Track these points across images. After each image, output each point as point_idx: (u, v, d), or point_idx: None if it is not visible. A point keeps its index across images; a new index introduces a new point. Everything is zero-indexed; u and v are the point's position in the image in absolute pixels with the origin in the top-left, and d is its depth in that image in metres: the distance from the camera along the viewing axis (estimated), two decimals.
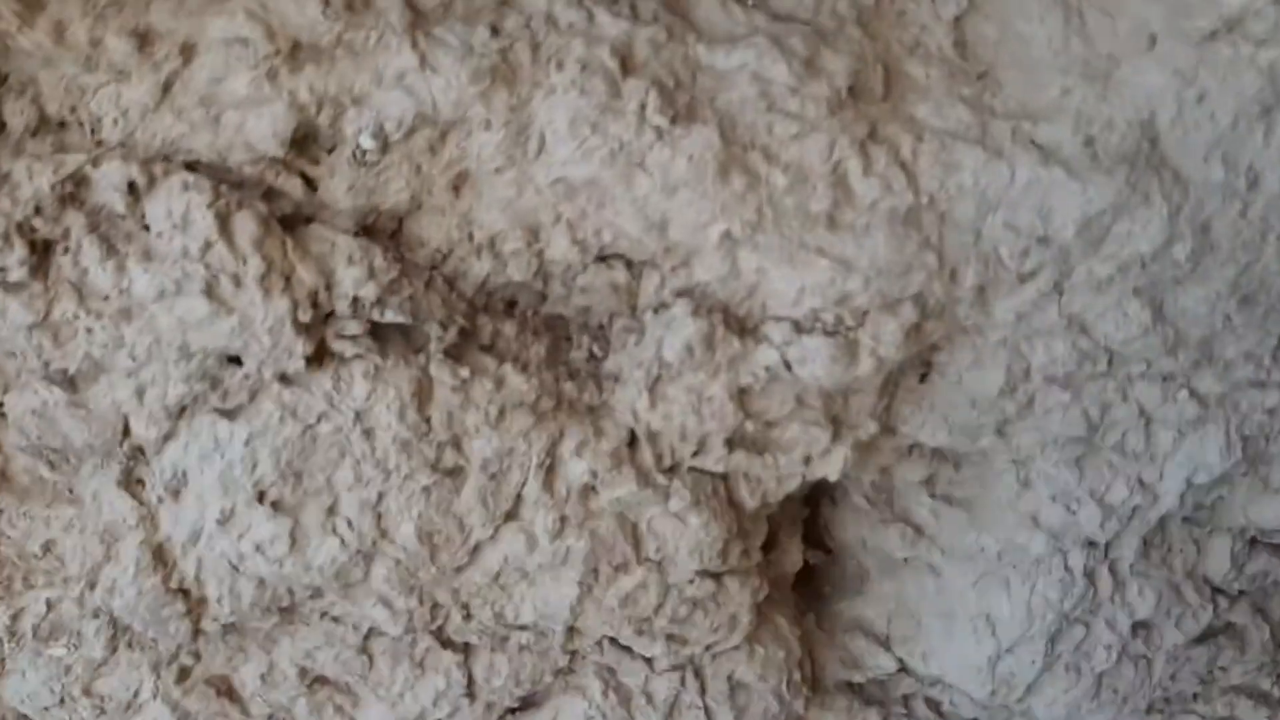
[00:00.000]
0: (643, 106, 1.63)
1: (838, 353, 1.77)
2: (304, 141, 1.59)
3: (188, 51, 1.49)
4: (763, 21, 1.72)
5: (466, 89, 1.56)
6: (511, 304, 1.82)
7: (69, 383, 1.64)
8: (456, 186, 1.67)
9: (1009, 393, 1.97)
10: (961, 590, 2.28)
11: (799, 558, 2.30)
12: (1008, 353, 1.93)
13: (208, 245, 1.52)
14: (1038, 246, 1.78)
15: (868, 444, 2.04)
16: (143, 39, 1.47)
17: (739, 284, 1.76)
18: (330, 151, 1.61)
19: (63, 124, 1.55)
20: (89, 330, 1.57)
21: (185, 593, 1.75)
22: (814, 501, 2.37)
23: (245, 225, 1.53)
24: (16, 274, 1.52)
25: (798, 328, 1.77)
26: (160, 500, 1.70)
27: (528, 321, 1.84)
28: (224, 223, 1.52)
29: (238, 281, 1.53)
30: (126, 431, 1.67)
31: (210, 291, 1.53)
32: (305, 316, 1.57)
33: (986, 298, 1.84)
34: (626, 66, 1.64)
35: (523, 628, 1.92)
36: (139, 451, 1.70)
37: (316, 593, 1.79)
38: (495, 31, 1.59)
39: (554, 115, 1.61)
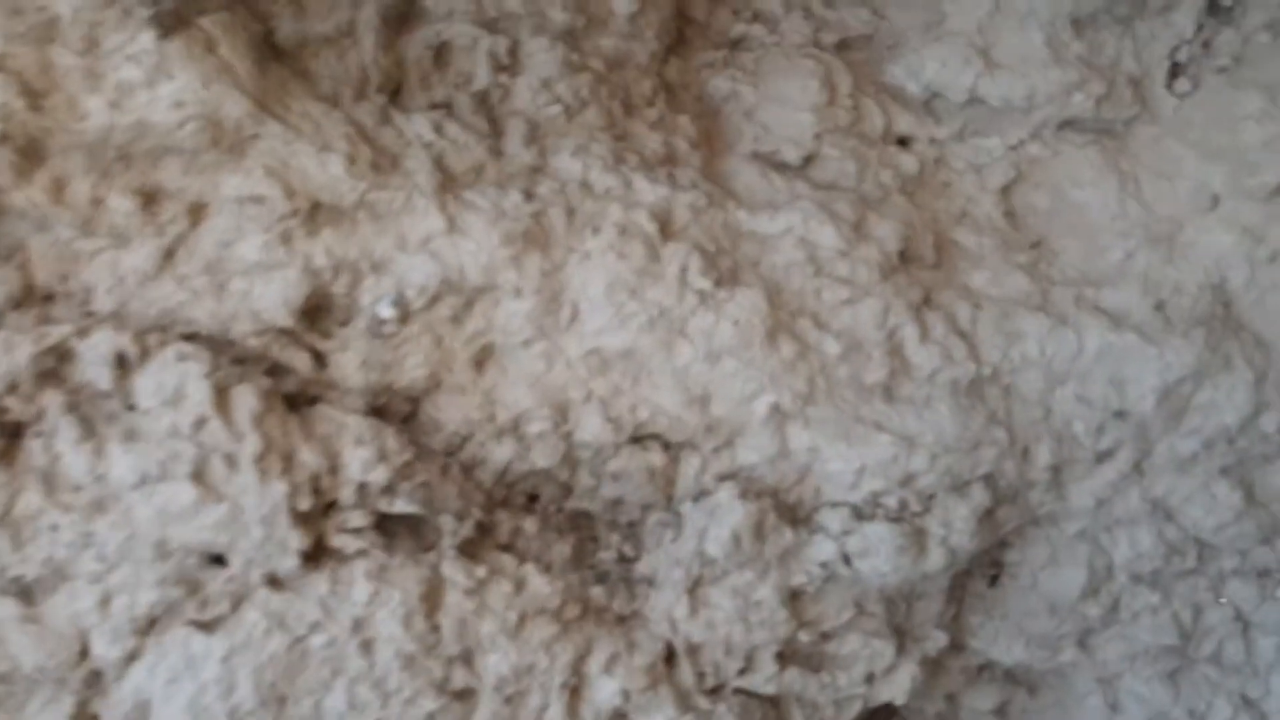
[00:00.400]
0: (684, 270, 1.58)
1: (904, 542, 1.64)
2: (315, 312, 1.51)
3: (196, 213, 1.44)
4: (805, 189, 1.71)
5: (497, 253, 1.51)
6: (533, 498, 1.69)
7: (24, 594, 1.47)
8: (480, 361, 1.58)
9: (1091, 595, 1.83)
10: None
11: None
12: (1088, 546, 1.80)
13: (200, 422, 1.40)
14: (1114, 421, 1.70)
15: (935, 661, 1.87)
16: (148, 199, 1.41)
17: (789, 465, 1.65)
18: (344, 325, 1.53)
19: (50, 297, 1.47)
20: (54, 528, 1.42)
21: None
22: None
23: (244, 400, 1.42)
24: None
25: (857, 514, 1.65)
26: None
27: (550, 518, 1.70)
28: (221, 396, 1.41)
29: (231, 463, 1.40)
30: (85, 653, 1.48)
31: (199, 475, 1.40)
32: (305, 504, 1.43)
33: (1062, 480, 1.73)
34: (666, 231, 1.61)
35: None
36: (96, 678, 1.51)
37: None
38: (529, 196, 1.56)
39: (589, 281, 1.56)
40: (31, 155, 1.35)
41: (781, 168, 1.74)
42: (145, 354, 1.42)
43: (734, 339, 1.57)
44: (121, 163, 1.39)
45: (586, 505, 1.69)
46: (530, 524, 1.64)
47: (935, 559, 1.66)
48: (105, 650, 1.46)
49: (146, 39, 1.32)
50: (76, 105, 1.33)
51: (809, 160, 1.76)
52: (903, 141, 1.82)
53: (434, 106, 1.60)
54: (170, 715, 1.47)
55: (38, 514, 1.41)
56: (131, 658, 1.47)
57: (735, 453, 1.64)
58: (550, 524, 1.68)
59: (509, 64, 1.64)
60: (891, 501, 1.64)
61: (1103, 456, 1.71)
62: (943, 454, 1.63)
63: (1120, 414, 1.68)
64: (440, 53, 1.62)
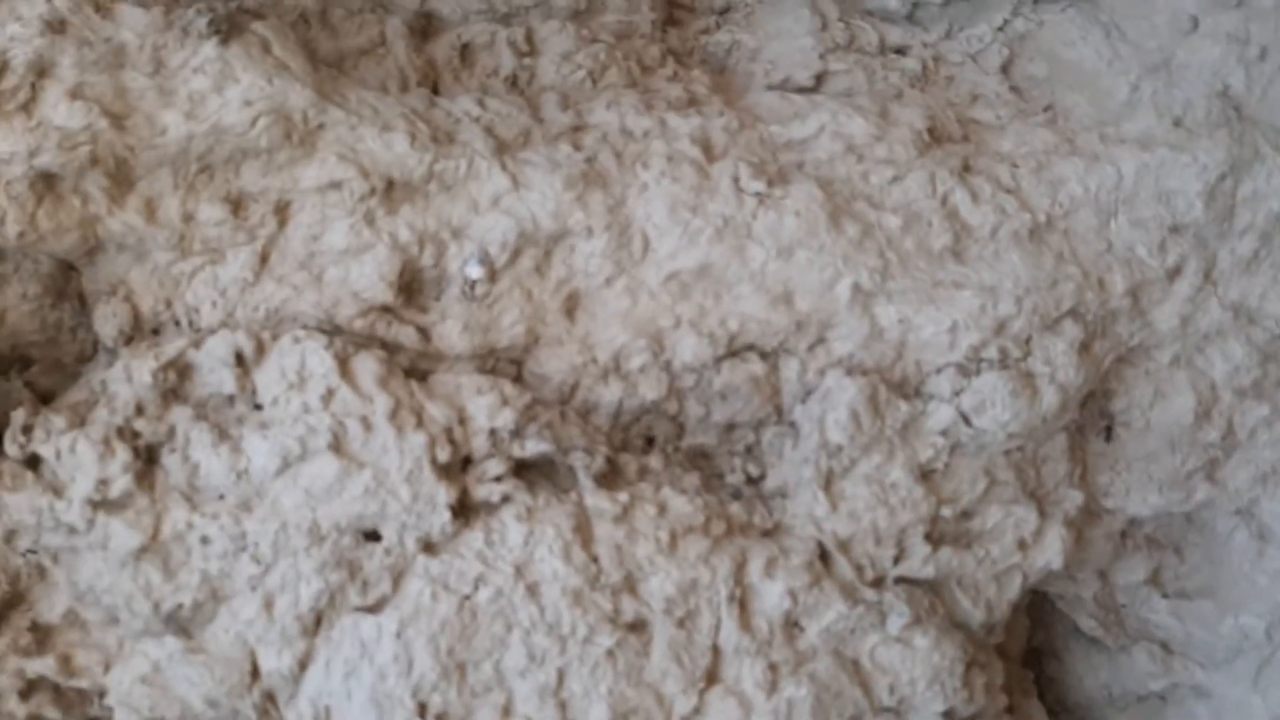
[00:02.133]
0: (735, 179, 1.70)
1: (1015, 386, 1.71)
2: (410, 289, 1.61)
3: (283, 211, 1.56)
4: (824, 100, 1.87)
5: (562, 197, 1.63)
6: (649, 440, 1.75)
7: (183, 628, 1.50)
8: (569, 310, 1.68)
9: (1204, 419, 1.88)
10: (1242, 701, 2.00)
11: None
12: (1185, 371, 1.87)
13: (329, 394, 1.47)
14: (1172, 236, 1.81)
15: (1078, 531, 1.89)
16: (235, 205, 1.54)
17: (884, 344, 1.73)
18: (437, 298, 1.63)
19: (157, 329, 1.57)
20: (205, 540, 1.46)
21: None
22: (1038, 669, 2.14)
23: (367, 366, 1.50)
24: (120, 485, 1.45)
25: (963, 372, 1.72)
26: None
27: (670, 457, 1.76)
28: (344, 366, 1.49)
29: (366, 425, 1.47)
30: (255, 672, 1.50)
31: (338, 445, 1.46)
32: (444, 456, 1.49)
33: (1142, 306, 1.82)
34: (709, 155, 1.75)
35: None
36: (270, 701, 1.51)
37: None
38: (577, 147, 1.70)
39: (651, 208, 1.67)
40: (121, 179, 1.48)
41: (798, 90, 1.89)
42: (262, 348, 1.51)
43: (799, 230, 1.68)
44: (205, 174, 1.52)
45: (701, 440, 1.75)
46: (655, 461, 1.70)
47: (1049, 399, 1.72)
48: (276, 662, 1.49)
49: (209, 49, 1.48)
50: (155, 121, 1.47)
51: (821, 79, 1.92)
52: (899, 51, 1.99)
53: (468, 94, 1.75)
54: (354, 713, 1.48)
55: (186, 530, 1.47)
56: (304, 663, 1.50)
57: (830, 346, 1.72)
58: (671, 462, 1.73)
59: (528, 49, 1.81)
60: (991, 352, 1.72)
61: (1172, 274, 1.81)
62: (1025, 295, 1.72)
63: (1175, 228, 1.79)
64: (465, 51, 1.80)
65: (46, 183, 1.44)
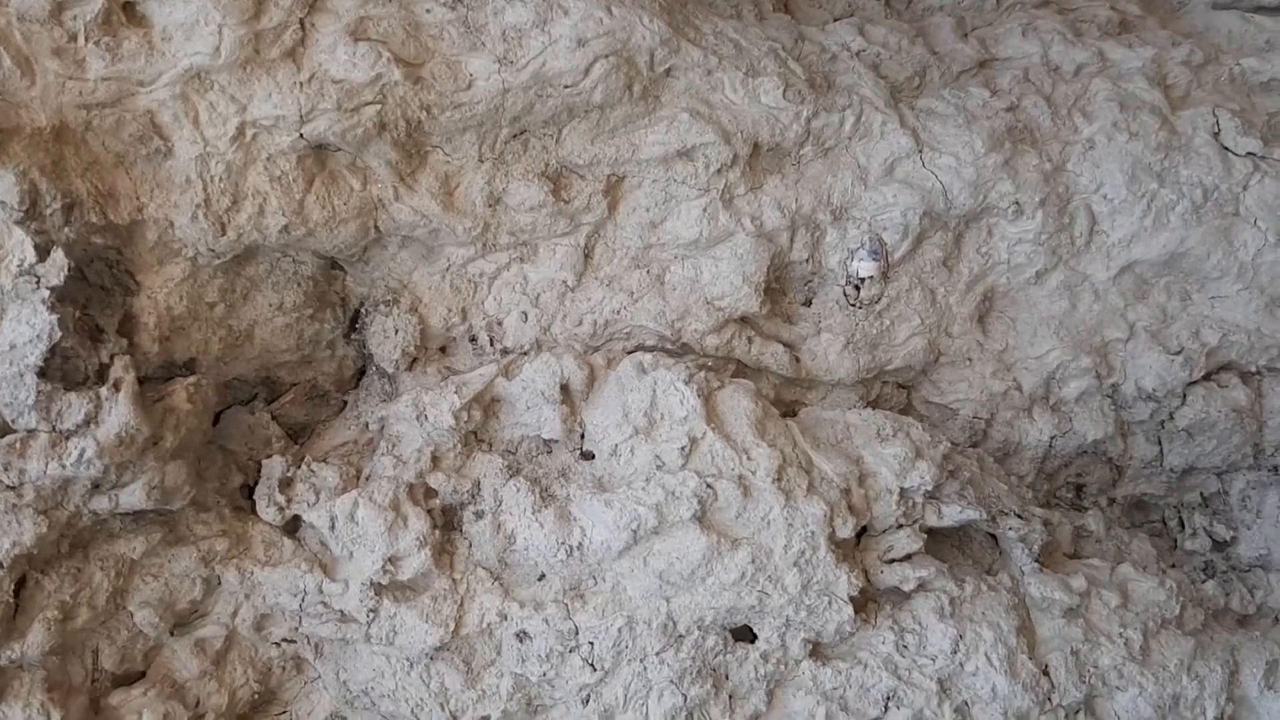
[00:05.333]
0: (1216, 134, 1.28)
1: None
2: (774, 292, 1.24)
3: (613, 190, 1.19)
4: None
5: (984, 161, 1.23)
6: (1078, 490, 1.36)
7: None
8: (984, 316, 1.28)
9: None
10: None
11: None
12: None
13: (692, 444, 1.11)
14: None
15: None
16: (555, 183, 1.18)
17: None
18: (807, 303, 1.26)
19: (445, 349, 1.23)
20: (521, 637, 1.13)
21: None
22: None
23: (739, 404, 1.13)
24: (414, 563, 1.12)
25: None
26: None
27: (1105, 511, 1.36)
28: (710, 404, 1.13)
29: (744, 487, 1.11)
30: None
31: (704, 515, 1.11)
32: (845, 529, 1.13)
33: None
34: (1172, 99, 1.32)
35: None
36: None
37: None
38: (992, 90, 1.29)
39: (1102, 175, 1.26)
40: (413, 150, 1.13)
41: (1259, 10, 1.44)
42: (593, 377, 1.16)
43: None
44: (518, 141, 1.16)
45: (1144, 488, 1.36)
46: (1093, 520, 1.30)
47: None
48: None
49: None
50: (458, 70, 1.11)
51: None
52: None
53: (840, 20, 1.35)
54: None
55: (496, 622, 1.13)
56: None
57: None
58: (1109, 518, 1.34)
59: None
60: None
61: None
62: None
63: None
64: None
65: (319, 158, 1.10)
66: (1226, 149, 1.27)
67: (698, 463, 1.12)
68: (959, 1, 1.38)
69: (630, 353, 1.19)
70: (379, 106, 1.09)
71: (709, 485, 1.11)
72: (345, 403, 1.25)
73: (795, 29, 1.28)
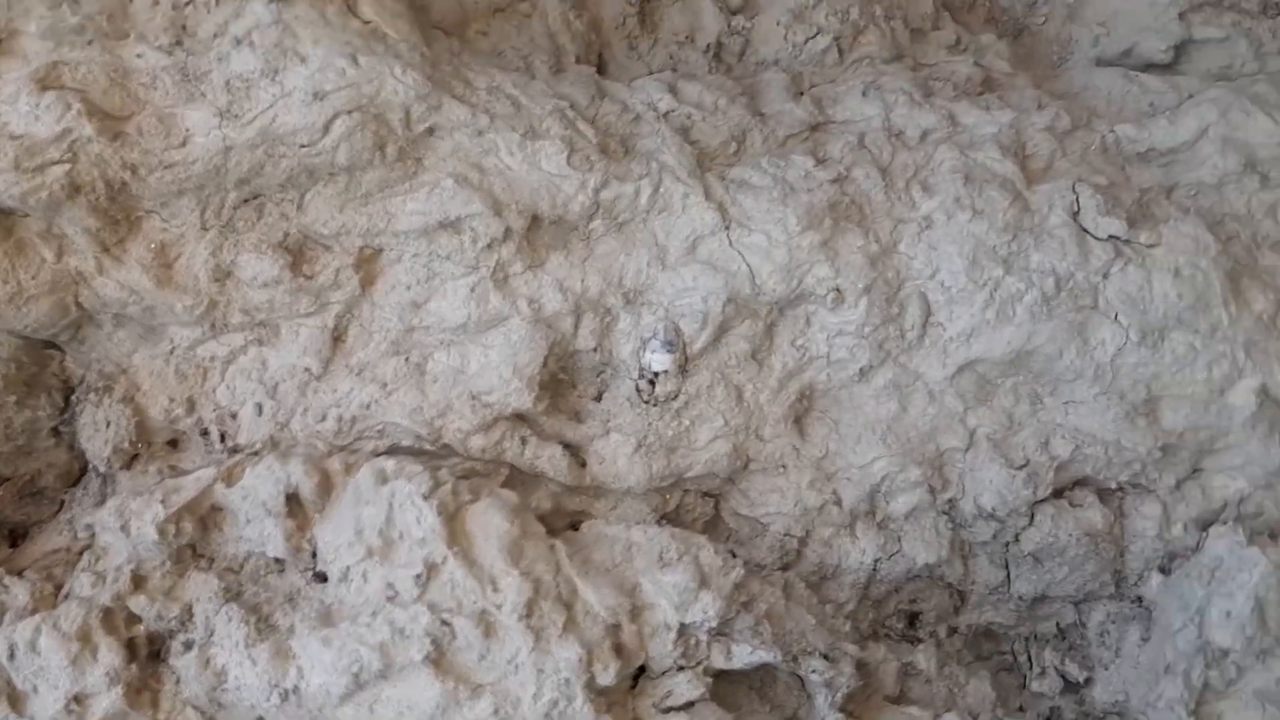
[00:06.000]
0: (1074, 214, 1.13)
1: None
2: (557, 385, 1.08)
3: (368, 264, 1.04)
4: (1191, 83, 1.27)
5: (798, 241, 1.08)
6: (912, 617, 1.20)
7: None
8: (799, 418, 1.13)
9: None
10: None
11: None
12: None
13: (430, 570, 0.96)
14: None
15: None
16: (296, 256, 1.03)
17: None
18: (597, 398, 1.10)
19: (174, 441, 1.07)
20: None
21: None
22: None
23: (489, 523, 0.98)
24: (103, 703, 0.96)
25: None
26: None
27: (943, 645, 1.20)
28: (454, 524, 0.98)
29: (486, 625, 0.95)
30: None
31: (439, 657, 0.95)
32: (606, 676, 0.97)
33: None
34: (1028, 170, 1.17)
35: None
36: None
37: None
38: (819, 160, 1.14)
39: (939, 259, 1.10)
40: (118, 215, 0.98)
41: (1148, 67, 1.30)
42: (327, 485, 1.00)
43: (1182, 299, 1.11)
44: (251, 207, 1.01)
45: (991, 617, 1.20)
46: (923, 657, 1.15)
47: None
48: None
49: (258, 8, 0.96)
50: (172, 125, 0.97)
51: (1181, 52, 1.32)
52: None
53: (653, 75, 1.20)
54: None
55: None
56: None
57: (1211, 484, 1.14)
58: (945, 652, 1.18)
59: (741, 3, 1.26)
60: None
61: None
62: None
63: None
64: (645, 7, 1.25)
65: (3, 224, 0.95)
66: (1086, 231, 1.12)
67: (436, 593, 0.96)
68: (796, 55, 1.23)
69: (381, 454, 1.04)
70: (69, 166, 0.94)
71: (445, 622, 0.95)
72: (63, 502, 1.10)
73: (595, 85, 1.12)
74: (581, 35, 1.18)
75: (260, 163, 0.99)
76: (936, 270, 1.11)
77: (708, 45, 1.24)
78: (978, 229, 1.11)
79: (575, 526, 1.09)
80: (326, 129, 0.99)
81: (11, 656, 0.97)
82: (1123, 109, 1.26)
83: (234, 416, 1.05)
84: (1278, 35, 1.34)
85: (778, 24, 1.24)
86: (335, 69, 0.98)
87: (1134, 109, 1.25)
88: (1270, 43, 1.33)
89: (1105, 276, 1.11)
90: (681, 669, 1.02)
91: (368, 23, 1.01)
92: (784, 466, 1.13)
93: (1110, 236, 1.11)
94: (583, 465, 1.09)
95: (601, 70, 1.22)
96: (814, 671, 1.04)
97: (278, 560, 1.01)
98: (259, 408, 1.04)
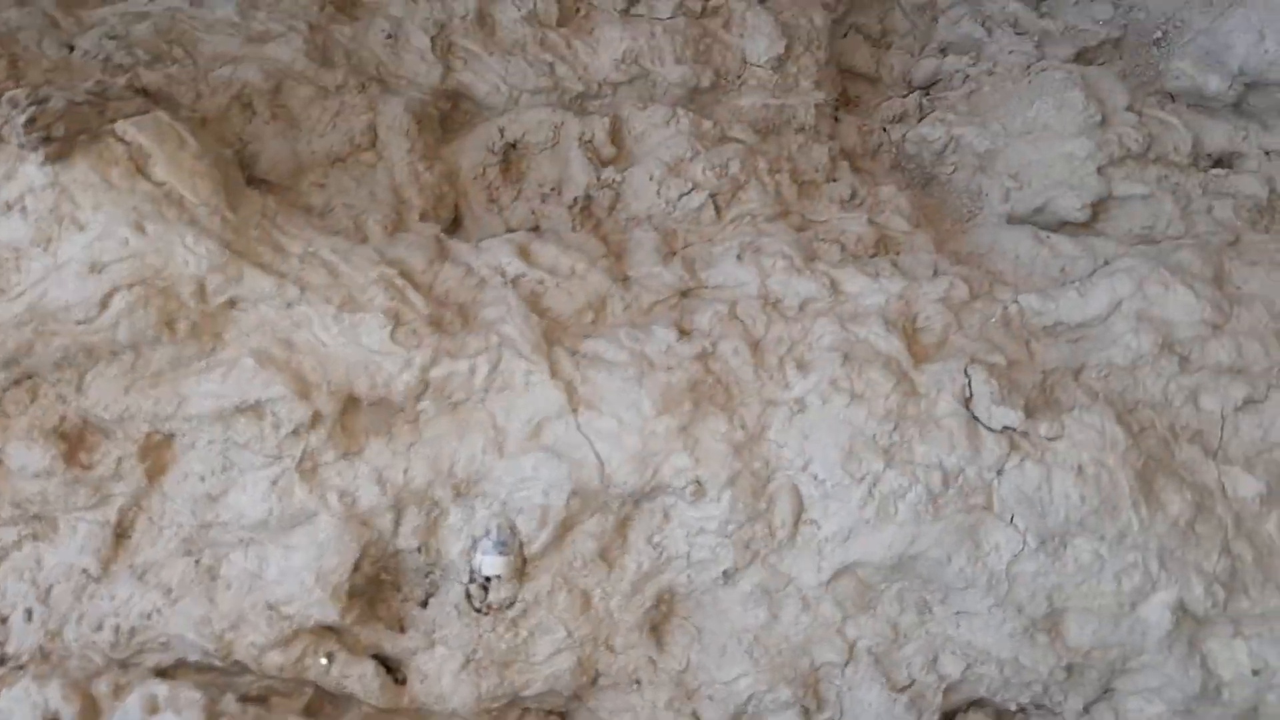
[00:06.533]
0: (965, 400, 1.02)
1: None
2: (376, 589, 0.96)
3: (159, 450, 0.92)
4: (1108, 245, 1.17)
5: (653, 426, 0.96)
6: None
7: None
8: (656, 625, 1.01)
9: None
10: None
11: None
12: None
13: None
14: None
15: None
16: (73, 445, 0.91)
17: (1224, 709, 1.02)
18: (423, 603, 0.98)
19: None
20: None
21: None
22: None
23: None
24: None
25: None
26: None
27: None
28: None
29: None
30: None
31: None
32: None
33: None
34: (916, 347, 1.06)
35: None
36: None
37: None
38: (683, 333, 1.03)
39: (812, 449, 0.99)
40: None
41: (1061, 226, 1.20)
42: (93, 711, 0.88)
43: (1081, 502, 0.99)
44: (23, 389, 0.90)
45: None
46: None
47: None
48: None
49: (31, 170, 0.86)
50: None
51: (1100, 208, 1.22)
52: (1222, 163, 1.27)
53: (512, 232, 1.10)
54: None
55: None
56: None
57: (1122, 704, 1.03)
58: None
59: (613, 153, 1.16)
60: None
61: None
62: None
63: None
64: (511, 155, 1.15)
65: None
66: (978, 420, 1.01)
67: None
68: (670, 212, 1.13)
69: (160, 672, 0.91)
70: None
71: None
72: None
73: (437, 246, 1.02)
74: (432, 187, 1.08)
75: (29, 341, 0.88)
76: (809, 461, 1.00)
77: (575, 198, 1.14)
78: (855, 415, 1.00)
79: None
80: (104, 304, 0.88)
81: None
82: (1031, 274, 1.15)
83: (4, 622, 0.93)
84: (1208, 191, 1.24)
85: (650, 178, 1.14)
86: (117, 238, 0.88)
87: (1043, 274, 1.15)
88: (1199, 199, 1.23)
89: (999, 473, 1.00)
90: None
91: (160, 184, 0.91)
92: (638, 682, 1.00)
93: (1005, 428, 1.00)
94: (402, 683, 0.96)
95: (456, 225, 1.12)
96: None
97: None
98: (28, 613, 0.92)
